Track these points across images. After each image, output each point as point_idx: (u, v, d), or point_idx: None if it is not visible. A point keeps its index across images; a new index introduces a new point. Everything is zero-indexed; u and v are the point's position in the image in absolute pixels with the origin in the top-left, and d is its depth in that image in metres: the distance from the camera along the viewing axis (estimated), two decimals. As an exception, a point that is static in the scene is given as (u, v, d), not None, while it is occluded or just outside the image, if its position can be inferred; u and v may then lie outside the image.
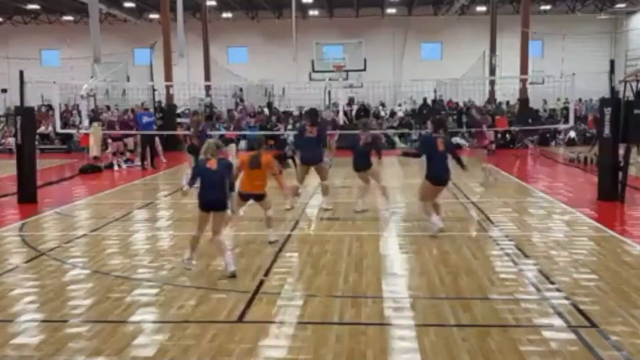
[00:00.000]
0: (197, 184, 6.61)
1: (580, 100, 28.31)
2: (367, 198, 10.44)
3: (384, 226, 9.25)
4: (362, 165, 10.09)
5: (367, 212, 10.12)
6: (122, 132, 18.15)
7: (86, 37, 24.45)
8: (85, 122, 21.67)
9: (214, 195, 6.50)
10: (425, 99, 27.64)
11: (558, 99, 27.52)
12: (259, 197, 8.04)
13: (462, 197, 11.59)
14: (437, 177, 8.29)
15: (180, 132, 24.13)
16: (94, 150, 18.07)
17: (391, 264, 7.04)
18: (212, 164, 6.54)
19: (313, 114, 10.85)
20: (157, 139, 18.87)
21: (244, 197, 7.96)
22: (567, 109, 27.35)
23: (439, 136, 8.41)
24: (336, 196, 12.14)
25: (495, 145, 21.76)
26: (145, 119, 18.33)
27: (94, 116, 20.27)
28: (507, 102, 27.30)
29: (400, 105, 28.70)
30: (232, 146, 16.79)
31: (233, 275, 6.40)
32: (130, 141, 18.52)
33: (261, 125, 24.77)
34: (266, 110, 28.35)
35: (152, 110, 23.00)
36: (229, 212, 6.86)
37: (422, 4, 33.53)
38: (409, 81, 25.85)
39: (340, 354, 4.54)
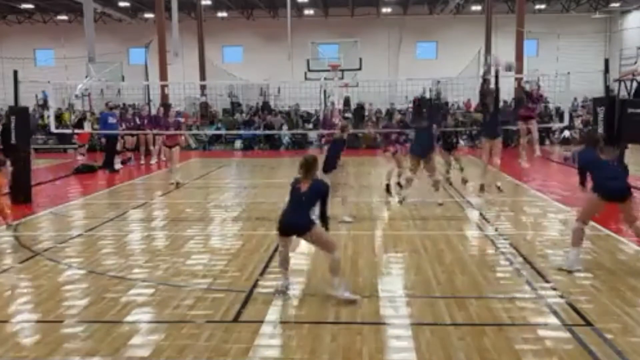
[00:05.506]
0: None
1: (575, 99, 28.35)
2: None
3: None
4: None
5: (364, 211, 10.16)
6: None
7: (81, 36, 24.33)
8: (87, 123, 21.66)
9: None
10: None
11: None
12: None
13: (458, 197, 11.60)
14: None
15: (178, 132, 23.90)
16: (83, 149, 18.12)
17: (387, 263, 7.05)
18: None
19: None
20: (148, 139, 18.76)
21: None
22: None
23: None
24: (333, 194, 12.12)
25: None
26: (110, 120, 17.76)
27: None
28: (505, 102, 27.29)
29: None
30: None
31: None
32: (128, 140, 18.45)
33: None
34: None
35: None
36: None
37: (417, 3, 33.57)
38: (405, 80, 25.83)
39: (336, 353, 4.54)
